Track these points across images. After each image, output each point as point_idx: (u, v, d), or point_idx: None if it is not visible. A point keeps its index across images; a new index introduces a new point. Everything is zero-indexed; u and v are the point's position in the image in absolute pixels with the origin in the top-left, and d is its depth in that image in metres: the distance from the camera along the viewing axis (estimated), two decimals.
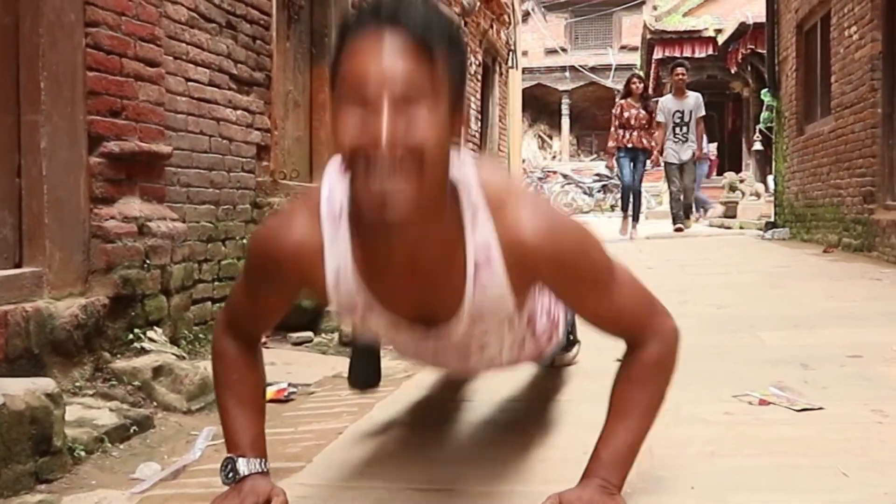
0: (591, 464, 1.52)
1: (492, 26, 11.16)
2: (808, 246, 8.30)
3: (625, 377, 1.54)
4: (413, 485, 1.75)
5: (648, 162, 10.28)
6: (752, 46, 15.01)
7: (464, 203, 1.42)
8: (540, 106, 27.94)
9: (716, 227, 13.27)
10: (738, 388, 2.44)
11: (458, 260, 1.44)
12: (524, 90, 18.38)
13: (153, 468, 2.28)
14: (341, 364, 3.22)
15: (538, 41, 26.48)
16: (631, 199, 10.13)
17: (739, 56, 15.93)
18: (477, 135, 10.55)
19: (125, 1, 3.26)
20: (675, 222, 10.42)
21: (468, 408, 2.33)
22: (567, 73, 26.70)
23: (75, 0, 3.02)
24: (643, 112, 9.88)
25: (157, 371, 2.97)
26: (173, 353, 3.17)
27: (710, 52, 17.99)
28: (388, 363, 2.55)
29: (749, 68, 16.24)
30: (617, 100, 11.84)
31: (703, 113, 10.20)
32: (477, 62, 10.48)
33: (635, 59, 23.14)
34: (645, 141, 9.91)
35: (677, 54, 17.05)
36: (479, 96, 10.63)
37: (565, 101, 27.17)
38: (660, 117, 9.97)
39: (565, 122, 27.45)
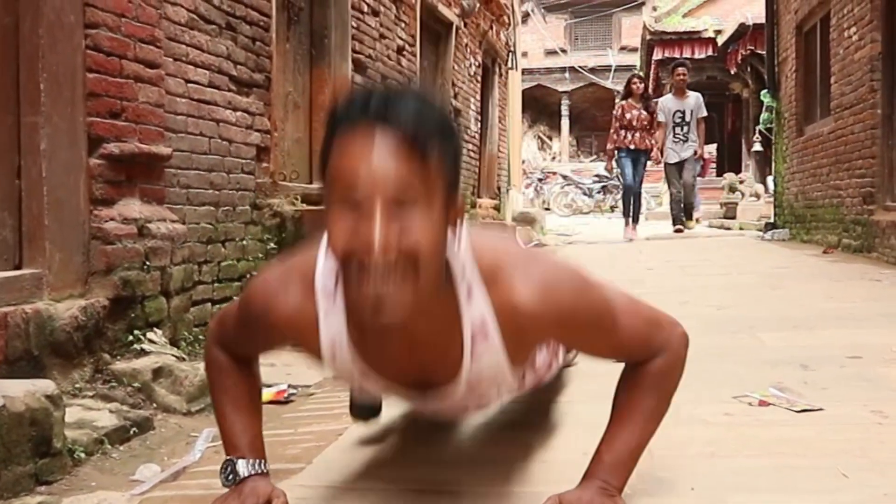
0: (592, 465, 1.52)
1: (491, 27, 11.16)
2: (808, 247, 8.29)
3: (630, 383, 1.55)
4: (413, 486, 1.75)
5: (649, 162, 10.26)
6: (752, 47, 15.00)
7: (458, 280, 1.40)
8: (540, 107, 27.94)
9: (715, 228, 13.28)
10: (737, 389, 2.44)
11: (454, 335, 1.43)
12: (524, 91, 18.37)
13: (153, 470, 2.28)
14: None
15: (538, 42, 26.48)
16: (631, 201, 10.12)
17: (739, 57, 15.92)
18: (476, 136, 10.55)
19: (125, 2, 3.26)
20: (675, 223, 10.41)
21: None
22: (567, 74, 26.70)
23: (75, 1, 3.02)
24: (644, 113, 9.86)
25: (157, 372, 2.97)
26: (173, 355, 3.17)
27: (710, 52, 17.97)
28: None
29: (749, 69, 16.23)
30: (617, 101, 11.84)
31: (705, 113, 10.15)
32: (477, 63, 10.48)
33: (635, 60, 23.14)
34: (647, 142, 9.89)
35: (677, 55, 17.03)
36: (478, 97, 10.63)
37: (565, 102, 27.17)
38: (660, 117, 9.94)
39: (565, 123, 27.45)
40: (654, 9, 21.15)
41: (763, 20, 11.39)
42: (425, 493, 1.72)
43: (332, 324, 1.46)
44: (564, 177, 21.56)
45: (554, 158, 27.71)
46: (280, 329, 1.51)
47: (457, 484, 1.74)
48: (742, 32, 15.39)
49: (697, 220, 10.77)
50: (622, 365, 1.58)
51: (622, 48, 26.66)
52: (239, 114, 4.33)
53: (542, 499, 1.49)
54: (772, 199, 11.45)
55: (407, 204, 1.24)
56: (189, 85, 3.87)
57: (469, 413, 1.71)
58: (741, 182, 15.79)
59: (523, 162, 20.18)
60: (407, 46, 7.43)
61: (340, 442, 2.12)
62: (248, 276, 4.33)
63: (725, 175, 16.92)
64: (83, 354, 2.90)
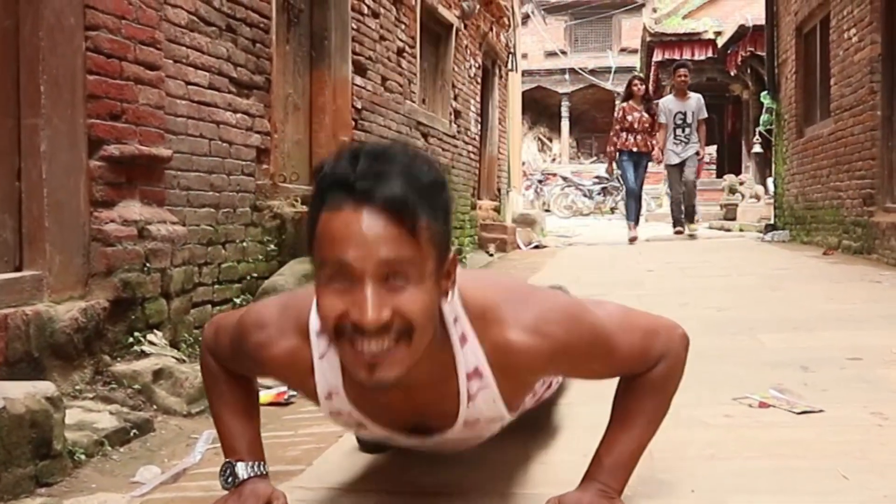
0: (591, 468, 1.52)
1: (491, 29, 11.17)
2: (808, 248, 8.30)
3: (629, 386, 1.55)
4: (413, 488, 1.75)
5: (650, 163, 10.19)
6: (752, 49, 15.00)
7: (450, 327, 1.41)
8: (540, 108, 27.95)
9: (715, 230, 13.28)
10: (737, 390, 2.44)
11: (450, 382, 1.44)
12: (524, 93, 18.37)
13: (153, 471, 2.28)
14: None
15: (538, 44, 26.48)
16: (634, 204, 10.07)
17: (739, 58, 15.92)
18: (476, 138, 10.55)
19: (125, 4, 3.26)
20: (675, 225, 10.38)
21: None
22: (567, 76, 26.70)
23: (75, 4, 3.02)
24: (646, 115, 9.78)
25: (157, 374, 2.97)
26: (173, 357, 3.17)
27: (710, 54, 17.97)
28: None
29: (748, 71, 16.23)
30: (618, 103, 11.80)
31: (706, 115, 10.06)
32: (477, 65, 10.48)
33: (635, 61, 23.14)
34: (649, 144, 9.83)
35: (677, 57, 17.02)
36: (478, 99, 10.63)
37: (565, 104, 27.17)
38: (661, 118, 9.86)
39: (565, 125, 27.45)
40: (654, 10, 21.16)
41: (763, 22, 11.40)
42: (425, 496, 1.72)
43: (327, 370, 1.47)
44: (564, 178, 21.57)
45: (554, 160, 27.71)
46: (274, 368, 1.52)
47: (456, 486, 1.74)
48: (742, 34, 15.39)
49: (697, 221, 10.65)
50: None
51: (622, 50, 26.66)
52: (239, 116, 4.34)
53: (542, 501, 1.49)
54: (772, 201, 11.46)
55: (399, 275, 1.24)
56: (189, 87, 3.87)
57: (472, 444, 1.71)
58: (741, 184, 15.81)
59: (523, 163, 20.18)
60: (407, 48, 7.43)
61: (341, 444, 2.12)
62: (248, 277, 4.33)
63: (725, 177, 16.93)
64: (83, 356, 2.90)
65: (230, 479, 1.57)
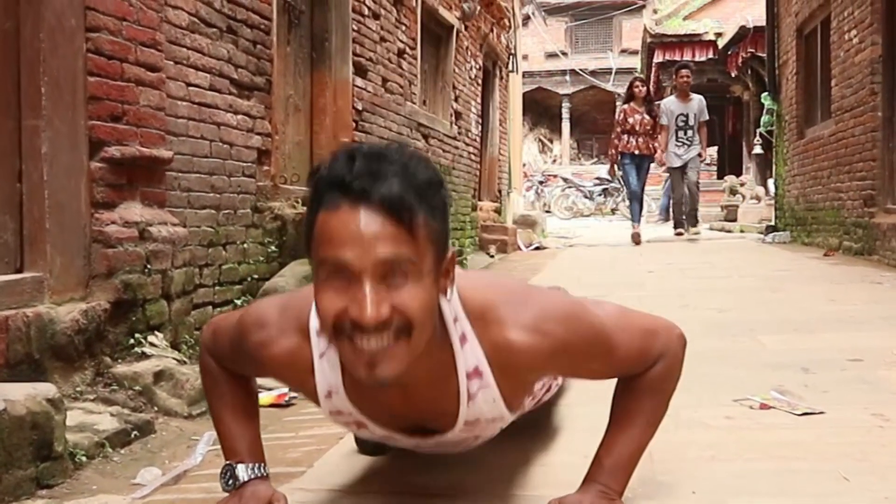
0: (592, 469, 1.52)
1: (492, 30, 11.17)
2: (809, 249, 8.30)
3: (628, 387, 1.55)
4: (413, 490, 1.75)
5: (653, 166, 10.11)
6: (753, 50, 15.00)
7: (450, 327, 1.41)
8: (540, 110, 27.95)
9: (716, 231, 13.28)
10: (738, 392, 2.44)
11: (450, 381, 1.44)
12: (525, 94, 18.37)
13: (154, 473, 2.28)
14: None
15: (538, 45, 26.49)
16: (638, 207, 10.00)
17: (740, 60, 15.92)
18: (477, 139, 10.55)
19: (126, 6, 3.26)
20: (676, 227, 10.36)
21: None
22: (567, 77, 26.70)
23: (76, 5, 3.02)
24: (647, 117, 9.67)
25: (158, 376, 2.97)
26: (174, 358, 3.17)
27: (711, 55, 17.98)
28: None
29: (749, 72, 16.23)
30: (619, 105, 11.78)
31: (707, 117, 9.96)
32: (477, 66, 10.49)
33: (635, 62, 23.15)
34: (651, 147, 9.73)
35: (678, 58, 17.02)
36: (479, 100, 10.63)
37: (566, 105, 27.17)
38: (663, 120, 9.75)
39: (566, 126, 27.45)
40: (655, 11, 21.15)
41: (764, 23, 11.40)
42: (425, 497, 1.72)
43: (327, 369, 1.47)
44: (565, 179, 21.56)
45: (555, 161, 27.71)
46: (274, 368, 1.52)
47: (457, 488, 1.74)
48: (743, 35, 15.39)
49: (699, 224, 10.56)
50: None
51: (623, 51, 26.67)
52: (240, 117, 4.34)
53: (543, 502, 1.50)
54: (772, 202, 11.45)
55: (397, 273, 1.24)
56: (190, 88, 3.87)
57: (473, 445, 1.71)
58: (742, 185, 15.81)
59: (524, 165, 20.19)
60: (408, 49, 7.43)
61: (341, 446, 2.12)
62: (249, 279, 4.33)
63: (726, 178, 16.93)
64: (84, 358, 2.90)
65: (231, 481, 1.57)
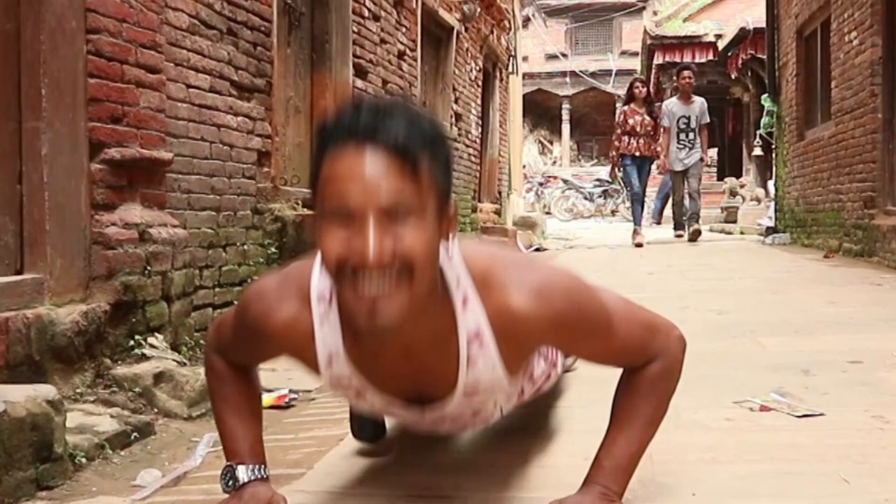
0: (592, 471, 1.52)
1: (492, 32, 11.18)
2: (809, 251, 8.30)
3: (628, 387, 1.55)
4: (413, 492, 1.75)
5: (654, 168, 10.03)
6: (753, 52, 15.01)
7: (452, 288, 1.42)
8: (540, 111, 27.97)
9: (716, 233, 13.28)
10: (738, 394, 2.44)
11: (450, 344, 1.44)
12: (525, 95, 18.40)
13: (154, 475, 2.28)
14: None
15: (539, 47, 26.51)
16: (640, 209, 9.94)
17: (740, 61, 15.93)
18: (477, 141, 10.55)
19: (126, 8, 3.26)
20: (676, 228, 10.35)
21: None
22: (567, 79, 26.73)
23: (77, 7, 3.03)
24: (648, 118, 9.58)
25: (158, 377, 2.96)
26: (174, 360, 3.17)
27: (711, 57, 17.99)
28: None
29: (749, 73, 16.24)
30: (619, 106, 11.76)
31: (708, 120, 9.89)
32: (477, 68, 10.49)
33: (636, 64, 23.16)
34: (652, 148, 9.63)
35: (678, 59, 17.02)
36: (479, 102, 10.64)
37: (566, 107, 27.19)
38: (665, 122, 9.69)
39: (566, 128, 27.47)
40: (655, 13, 21.19)
41: (764, 24, 11.40)
42: (425, 499, 1.72)
43: (327, 333, 1.46)
44: (565, 181, 21.57)
45: (555, 163, 27.73)
46: (275, 339, 1.51)
47: (457, 490, 1.74)
48: (743, 37, 15.40)
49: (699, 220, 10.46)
50: (621, 370, 1.58)
51: (623, 52, 26.69)
52: (240, 119, 4.34)
53: None
54: (772, 203, 11.45)
55: (399, 214, 1.25)
56: (190, 90, 3.87)
57: (470, 425, 1.71)
58: (742, 186, 15.81)
59: (524, 166, 20.22)
60: (408, 51, 7.44)
61: (341, 447, 2.12)
62: (249, 280, 4.33)
63: (726, 179, 16.94)
64: (84, 359, 2.90)
65: (231, 483, 1.58)
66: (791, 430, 2.11)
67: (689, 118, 9.71)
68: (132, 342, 3.16)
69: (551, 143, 28.99)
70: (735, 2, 19.27)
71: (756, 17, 14.02)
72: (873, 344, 3.22)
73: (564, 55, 26.95)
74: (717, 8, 19.72)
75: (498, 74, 12.05)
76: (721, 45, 17.20)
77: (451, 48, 9.19)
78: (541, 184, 22.10)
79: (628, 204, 13.36)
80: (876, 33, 6.81)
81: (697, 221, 9.89)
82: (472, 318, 1.42)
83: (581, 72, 26.51)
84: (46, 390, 2.24)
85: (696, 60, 17.66)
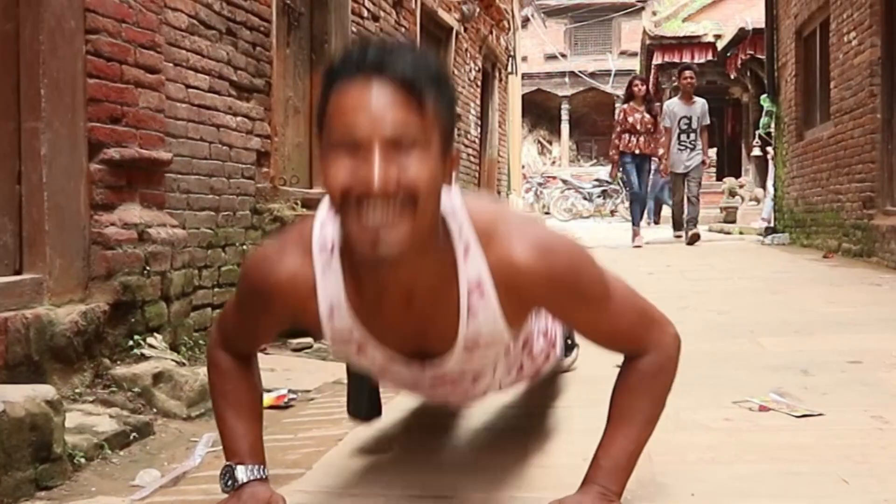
0: (590, 471, 1.52)
1: (491, 32, 11.18)
2: (808, 251, 8.30)
3: (624, 386, 1.55)
4: (412, 492, 1.75)
5: (656, 170, 9.99)
6: (752, 52, 15.02)
7: (455, 237, 1.43)
8: (539, 111, 27.97)
9: (715, 233, 13.28)
10: (738, 394, 2.44)
11: (451, 294, 1.45)
12: (524, 96, 18.40)
13: (153, 475, 2.28)
14: (341, 370, 3.21)
15: (538, 47, 26.51)
16: (639, 209, 9.92)
17: (739, 61, 15.94)
18: (477, 141, 10.56)
19: (125, 8, 3.26)
20: (676, 229, 10.34)
21: (467, 415, 2.33)
22: (566, 79, 26.73)
23: (76, 7, 3.03)
24: (648, 116, 9.50)
25: (157, 377, 2.96)
26: (173, 360, 3.16)
27: (710, 57, 18.00)
28: None
29: (748, 74, 16.25)
30: (618, 105, 11.76)
31: (708, 121, 9.83)
32: (476, 68, 10.49)
33: (635, 64, 23.17)
34: (652, 146, 9.57)
35: (677, 60, 17.03)
36: (478, 102, 10.64)
37: (565, 107, 27.20)
38: (666, 122, 9.64)
39: (565, 128, 27.47)
40: (654, 13, 21.18)
41: (763, 25, 11.40)
42: (425, 499, 1.72)
43: (329, 285, 1.47)
44: (564, 181, 21.55)
45: (554, 163, 27.73)
46: (278, 297, 1.50)
47: (456, 490, 1.74)
48: (742, 37, 15.41)
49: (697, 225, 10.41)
50: (619, 370, 1.58)
51: (622, 53, 26.70)
52: (239, 119, 4.34)
53: None
54: (765, 205, 11.44)
55: (405, 145, 1.28)
56: (189, 90, 3.87)
57: (469, 394, 1.71)
58: (741, 186, 15.82)
59: (523, 166, 20.23)
60: None
61: (340, 447, 2.12)
62: None
63: (725, 179, 16.94)
64: (83, 359, 2.90)
65: (230, 483, 1.57)
66: (790, 431, 2.11)
67: (690, 119, 9.65)
68: (131, 342, 3.16)
69: (550, 143, 28.99)
70: (734, 2, 19.26)
71: (755, 17, 14.03)
72: (872, 344, 3.22)
73: (563, 55, 26.96)
74: (717, 8, 19.72)
75: (497, 75, 12.05)
76: (720, 45, 17.21)
77: (450, 48, 9.19)
78: (540, 184, 22.09)
79: (627, 204, 13.35)
80: (875, 34, 6.82)
81: (696, 226, 9.84)
82: (473, 267, 1.43)
83: (580, 72, 26.52)
84: (45, 390, 2.24)
85: (696, 61, 17.65)
